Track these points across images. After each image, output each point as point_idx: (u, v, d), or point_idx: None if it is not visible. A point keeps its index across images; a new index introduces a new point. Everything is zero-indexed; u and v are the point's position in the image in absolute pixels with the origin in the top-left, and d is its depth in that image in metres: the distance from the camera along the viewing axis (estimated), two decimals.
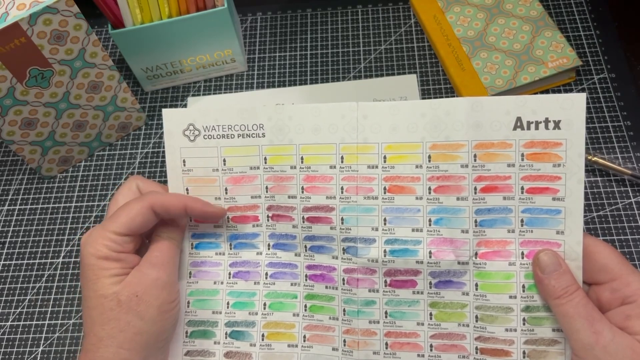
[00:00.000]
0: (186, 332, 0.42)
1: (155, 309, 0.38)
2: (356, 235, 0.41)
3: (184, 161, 0.43)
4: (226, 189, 0.43)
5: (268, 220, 0.43)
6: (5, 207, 0.59)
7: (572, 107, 0.38)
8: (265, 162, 0.42)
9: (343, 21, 0.66)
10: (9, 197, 0.59)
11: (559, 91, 0.58)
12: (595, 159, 0.52)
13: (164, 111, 0.43)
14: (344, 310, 0.42)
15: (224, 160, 0.43)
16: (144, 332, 0.38)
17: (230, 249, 0.43)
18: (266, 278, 0.43)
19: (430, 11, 0.63)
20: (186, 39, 0.58)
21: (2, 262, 0.56)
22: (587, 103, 0.57)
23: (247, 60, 0.65)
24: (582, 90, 0.58)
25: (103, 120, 0.58)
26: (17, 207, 0.58)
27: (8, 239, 0.57)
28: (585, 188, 0.52)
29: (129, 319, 0.37)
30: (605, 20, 0.62)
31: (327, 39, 0.65)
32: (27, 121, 0.53)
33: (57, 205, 0.58)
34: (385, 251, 0.41)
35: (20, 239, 0.57)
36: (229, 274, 0.43)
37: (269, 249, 0.43)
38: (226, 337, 0.43)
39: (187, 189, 0.43)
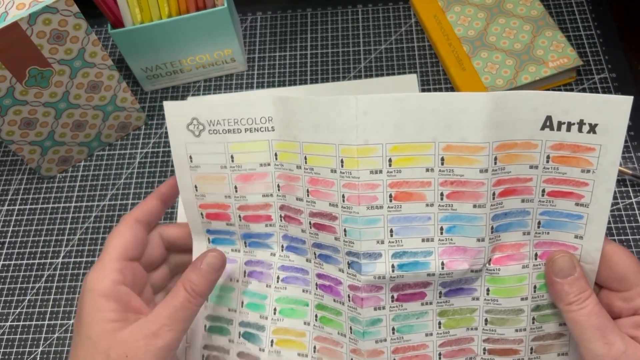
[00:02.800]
0: (205, 326, 0.41)
1: None
2: (359, 250, 0.37)
3: (190, 157, 0.40)
4: (236, 187, 0.40)
5: (281, 220, 0.40)
6: (5, 207, 0.59)
7: (613, 110, 0.33)
8: (276, 158, 0.39)
9: (343, 21, 0.66)
10: (9, 197, 0.59)
11: (560, 91, 0.57)
12: None
13: (165, 104, 0.40)
14: (351, 328, 0.39)
15: (232, 157, 0.40)
16: None
17: (245, 246, 0.41)
18: (277, 282, 0.41)
19: (430, 11, 0.62)
20: (186, 38, 0.58)
21: (1, 262, 0.55)
22: None
23: (247, 60, 0.64)
24: (583, 90, 0.57)
25: (103, 120, 0.58)
26: (17, 207, 0.58)
27: (7, 239, 0.57)
28: None
29: None
30: (606, 20, 0.62)
31: (327, 39, 0.65)
32: (26, 121, 0.53)
33: (56, 205, 0.58)
34: (393, 266, 0.37)
35: (19, 239, 0.57)
36: (244, 272, 0.41)
37: (282, 250, 0.41)
38: (239, 337, 0.41)
39: (195, 186, 0.41)
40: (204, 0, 0.56)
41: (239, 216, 0.41)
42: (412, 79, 0.60)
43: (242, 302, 0.41)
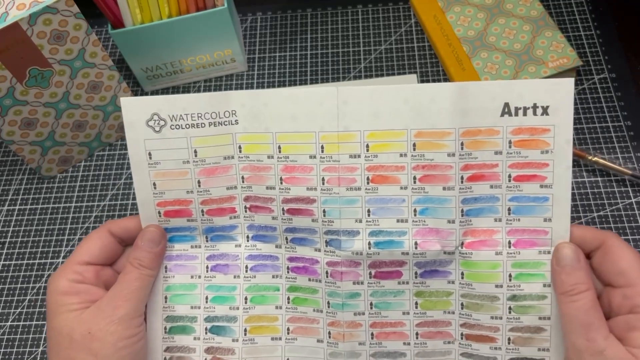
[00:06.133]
0: (165, 328, 0.41)
1: (110, 345, 0.36)
2: (339, 227, 0.40)
3: (149, 154, 0.40)
4: (199, 182, 0.41)
5: (246, 211, 0.41)
6: (5, 207, 0.59)
7: (560, 92, 0.37)
8: (240, 151, 0.40)
9: (343, 21, 0.66)
10: (9, 197, 0.59)
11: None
12: (595, 159, 0.52)
13: (123, 100, 0.40)
14: (328, 302, 0.41)
15: (195, 152, 0.40)
16: None
17: (207, 241, 0.42)
18: (246, 271, 0.42)
19: (430, 11, 0.63)
20: (186, 39, 0.58)
21: (2, 262, 0.56)
22: (587, 103, 0.57)
23: (247, 60, 0.64)
24: (583, 90, 0.58)
25: (103, 120, 0.58)
26: (17, 207, 0.58)
27: (8, 239, 0.57)
28: (586, 188, 0.52)
29: (82, 357, 0.36)
30: (606, 20, 0.62)
31: (327, 39, 0.65)
32: (26, 121, 0.53)
33: (57, 205, 0.58)
34: (369, 243, 0.40)
35: (20, 239, 0.57)
36: (207, 267, 0.42)
37: (247, 240, 0.42)
38: (206, 333, 0.41)
39: (154, 184, 0.41)
40: (204, 1, 0.56)
41: (202, 211, 0.41)
42: (412, 79, 0.60)
43: (207, 298, 0.42)
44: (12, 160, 0.62)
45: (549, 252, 0.39)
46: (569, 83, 0.37)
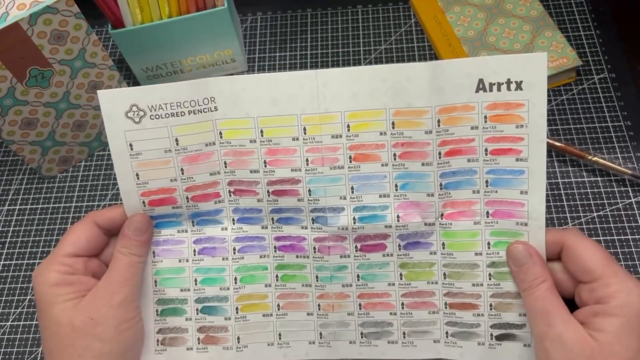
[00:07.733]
0: (157, 311, 0.42)
1: (113, 328, 0.38)
2: (325, 205, 0.41)
3: (130, 145, 0.41)
4: (182, 170, 0.41)
5: (230, 195, 0.42)
6: (6, 207, 0.59)
7: (534, 66, 0.37)
8: (221, 137, 0.41)
9: (343, 21, 0.66)
10: (9, 197, 0.59)
11: (559, 91, 0.58)
12: (595, 158, 0.52)
13: (100, 93, 0.40)
14: (317, 276, 0.42)
15: (177, 140, 0.41)
16: (104, 354, 0.37)
17: (193, 225, 0.43)
18: (234, 253, 0.43)
19: (430, 11, 0.63)
20: (186, 39, 0.58)
21: (2, 262, 0.56)
22: (587, 103, 0.57)
23: (247, 60, 0.65)
24: (583, 90, 0.58)
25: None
26: (17, 207, 0.58)
27: (8, 239, 0.57)
28: (586, 188, 0.52)
29: (87, 343, 0.37)
30: (606, 20, 0.62)
31: (327, 39, 0.65)
32: (27, 121, 0.53)
33: (57, 205, 0.58)
34: (354, 218, 0.41)
35: (20, 239, 0.57)
36: (194, 251, 0.43)
37: (233, 223, 0.43)
38: (198, 313, 0.42)
39: (137, 174, 0.41)
40: (204, 1, 0.56)
41: (187, 197, 0.42)
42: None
43: (196, 280, 0.43)
44: (13, 160, 0.62)
45: (525, 224, 0.39)
46: (541, 57, 0.37)
